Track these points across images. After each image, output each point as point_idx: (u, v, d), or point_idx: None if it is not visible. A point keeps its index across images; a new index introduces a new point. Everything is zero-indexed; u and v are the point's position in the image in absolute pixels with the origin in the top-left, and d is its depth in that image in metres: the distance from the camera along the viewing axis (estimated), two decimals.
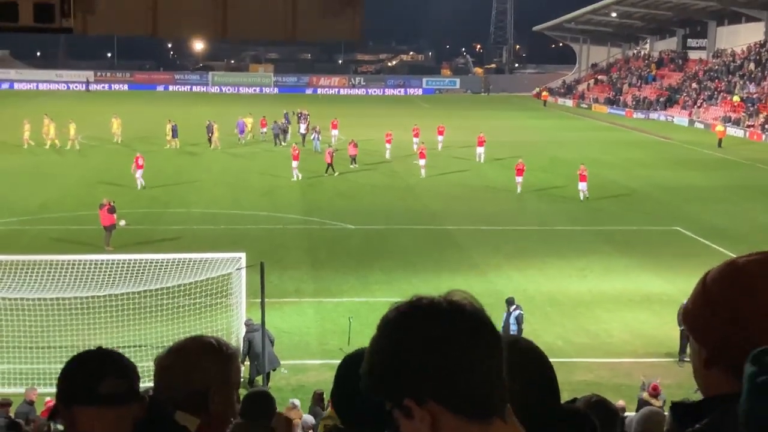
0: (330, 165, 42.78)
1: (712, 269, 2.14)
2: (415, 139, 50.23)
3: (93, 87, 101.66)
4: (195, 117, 60.05)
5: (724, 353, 2.02)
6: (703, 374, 2.07)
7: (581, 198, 37.66)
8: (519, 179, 39.13)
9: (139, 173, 38.56)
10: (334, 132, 53.37)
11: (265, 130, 55.60)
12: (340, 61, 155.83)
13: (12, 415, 14.40)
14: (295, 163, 41.12)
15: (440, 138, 51.89)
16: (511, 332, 19.21)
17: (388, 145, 48.14)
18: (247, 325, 18.62)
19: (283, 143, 52.72)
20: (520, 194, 38.52)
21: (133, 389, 2.79)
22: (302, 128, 53.75)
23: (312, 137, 51.18)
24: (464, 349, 1.70)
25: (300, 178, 40.90)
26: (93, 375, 2.75)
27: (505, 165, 46.54)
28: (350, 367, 2.65)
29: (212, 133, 51.68)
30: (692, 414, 2.03)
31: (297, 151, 41.83)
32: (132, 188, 37.77)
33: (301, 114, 62.04)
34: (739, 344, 1.96)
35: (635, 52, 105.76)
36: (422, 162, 42.62)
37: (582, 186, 37.75)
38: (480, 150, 47.39)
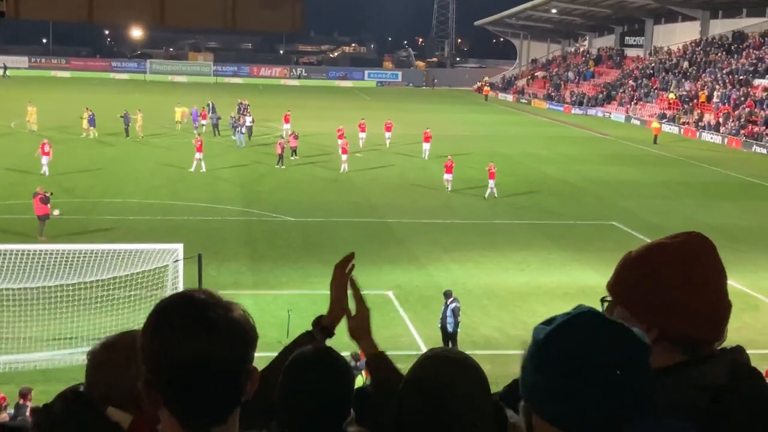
0: (281, 156, 42.48)
1: (642, 248, 2.34)
2: (361, 134, 49.77)
3: (9, 73, 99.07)
4: (129, 105, 59.05)
5: (666, 324, 2.21)
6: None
7: (485, 196, 36.78)
8: (448, 177, 38.06)
9: (44, 159, 38.03)
10: (286, 126, 52.35)
11: (205, 121, 54.55)
12: (281, 51, 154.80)
13: None
14: (198, 155, 40.50)
15: (388, 134, 51.14)
16: (448, 324, 19.34)
17: (340, 141, 46.01)
18: None
19: (218, 135, 52.30)
20: (452, 192, 38.00)
21: None
22: (248, 120, 52.62)
23: (238, 130, 50.61)
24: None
25: (204, 170, 40.28)
26: None
27: (442, 160, 46.79)
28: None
29: (128, 124, 50.51)
30: None
31: (200, 143, 41.26)
32: (40, 175, 37.02)
33: (242, 105, 61.44)
34: (683, 312, 2.19)
35: (574, 48, 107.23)
36: (344, 157, 41.99)
37: (491, 183, 37.05)
38: (426, 146, 46.94)
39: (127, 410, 2.76)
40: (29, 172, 37.64)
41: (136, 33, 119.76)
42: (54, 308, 20.77)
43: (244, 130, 50.20)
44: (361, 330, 3.16)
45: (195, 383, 1.85)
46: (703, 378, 2.17)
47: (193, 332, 1.85)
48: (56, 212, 28.11)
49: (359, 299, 3.18)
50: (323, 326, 3.19)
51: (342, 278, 3.20)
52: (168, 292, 19.98)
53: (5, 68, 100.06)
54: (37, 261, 19.27)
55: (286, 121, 53.14)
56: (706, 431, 2.06)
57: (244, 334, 1.92)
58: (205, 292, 1.97)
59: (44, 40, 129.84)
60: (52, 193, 28.11)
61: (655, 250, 2.32)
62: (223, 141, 50.34)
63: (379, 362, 3.10)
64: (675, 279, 2.23)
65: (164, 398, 1.88)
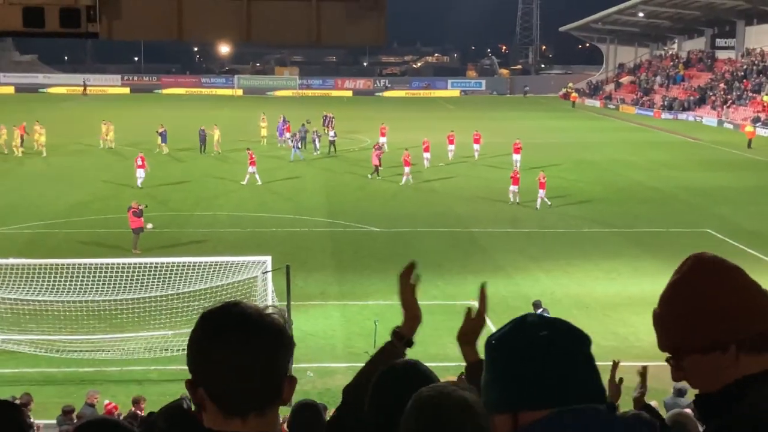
0: (377, 168, 42.66)
1: (677, 276, 2.33)
2: (450, 146, 48.18)
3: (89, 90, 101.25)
4: (215, 120, 60.27)
5: (736, 333, 2.18)
6: (702, 365, 2.22)
7: (537, 206, 35.66)
8: (542, 192, 36.02)
9: (140, 173, 39.56)
10: (382, 139, 50.81)
11: (289, 135, 53.90)
12: (365, 64, 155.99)
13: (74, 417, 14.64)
14: (252, 168, 40.57)
15: (476, 146, 49.13)
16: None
17: (426, 154, 45.97)
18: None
19: (302, 149, 51.20)
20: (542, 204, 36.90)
21: None
22: (331, 134, 52.41)
23: (294, 143, 50.16)
24: (208, 349, 2.12)
25: (259, 183, 40.35)
26: None
27: (529, 168, 46.31)
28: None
29: (204, 140, 50.32)
30: (715, 403, 2.19)
31: (252, 156, 41.22)
32: (135, 189, 38.06)
33: (326, 117, 61.94)
34: (748, 317, 2.18)
35: (663, 52, 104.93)
36: (406, 169, 40.99)
37: (541, 193, 35.75)
38: (516, 157, 44.53)
39: None
40: (125, 186, 38.84)
41: (224, 49, 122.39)
42: (148, 320, 21.34)
43: (300, 144, 49.94)
44: (468, 337, 3.24)
45: (232, 381, 2.11)
46: None
47: (232, 339, 2.11)
48: (149, 226, 28.86)
49: (481, 311, 3.25)
50: (403, 336, 3.25)
51: (406, 287, 3.25)
52: (258, 302, 20.30)
53: (86, 86, 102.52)
54: (131, 274, 19.82)
55: (383, 134, 51.76)
56: None
57: (277, 342, 2.16)
58: (247, 305, 2.20)
59: (136, 59, 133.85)
60: (146, 206, 28.90)
61: (675, 288, 2.30)
62: (306, 154, 50.80)
63: (478, 371, 3.10)
64: (710, 289, 2.21)
65: (207, 392, 2.14)
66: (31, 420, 14.18)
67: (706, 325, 2.20)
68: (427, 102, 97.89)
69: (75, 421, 14.42)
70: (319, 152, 50.95)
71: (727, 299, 2.19)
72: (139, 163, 39.69)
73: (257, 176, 40.61)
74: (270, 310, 2.21)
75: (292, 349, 2.22)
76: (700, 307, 2.21)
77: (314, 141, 51.70)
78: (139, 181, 39.24)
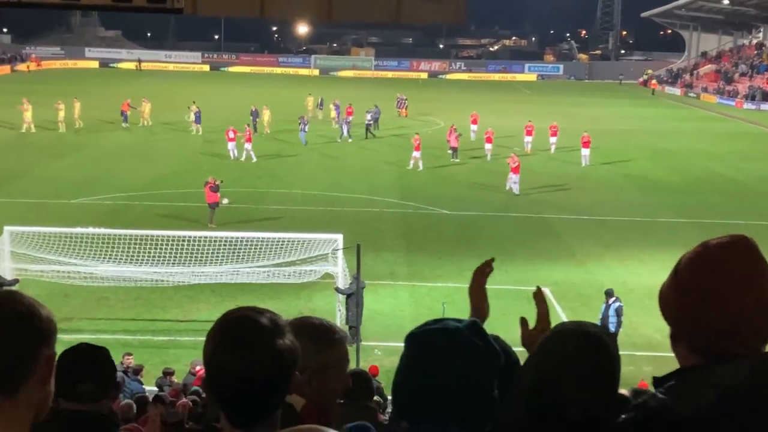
0: (455, 149, 42.54)
1: (686, 253, 2.35)
2: (527, 138, 45.79)
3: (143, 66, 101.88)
4: (294, 99, 60.82)
5: (689, 332, 2.22)
6: (673, 349, 2.29)
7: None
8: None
9: (230, 145, 40.84)
10: (474, 127, 49.20)
11: (350, 118, 51.55)
12: (441, 46, 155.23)
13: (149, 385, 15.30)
14: (416, 153, 39.97)
15: (553, 139, 46.00)
16: (611, 324, 18.90)
17: (528, 137, 45.55)
18: (353, 277, 19.54)
19: (373, 131, 50.62)
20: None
21: (103, 390, 3.64)
22: (367, 117, 50.39)
23: (340, 124, 49.25)
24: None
25: (420, 168, 39.80)
26: (67, 379, 3.46)
27: (606, 155, 45.64)
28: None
29: (257, 118, 48.96)
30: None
31: (419, 141, 40.33)
32: (237, 166, 38.69)
33: (400, 99, 61.96)
34: (703, 323, 2.17)
35: (747, 40, 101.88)
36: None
37: (514, 178, 35.07)
38: (585, 152, 42.33)
39: (301, 394, 2.87)
40: (206, 160, 39.61)
41: (302, 29, 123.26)
42: (221, 293, 21.81)
43: (372, 125, 48.78)
44: (531, 346, 3.14)
45: (239, 392, 2.20)
46: (717, 377, 2.11)
47: (244, 352, 2.20)
48: (225, 201, 29.37)
49: (543, 316, 3.06)
50: None
51: (480, 284, 3.17)
52: (331, 280, 20.55)
53: (140, 61, 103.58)
54: (206, 247, 20.26)
55: (474, 122, 49.76)
56: (708, 429, 2.05)
57: (286, 359, 2.23)
58: (264, 315, 2.28)
59: (216, 36, 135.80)
60: (222, 181, 29.40)
61: (686, 261, 2.32)
62: (384, 134, 50.85)
63: None
64: (694, 290, 2.22)
65: (217, 398, 2.24)
66: (140, 383, 14.85)
67: (677, 316, 2.27)
68: (503, 86, 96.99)
69: (174, 382, 15.13)
70: (349, 140, 48.31)
71: (699, 302, 2.20)
72: (231, 136, 41.06)
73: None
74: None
75: (292, 370, 2.27)
76: (679, 291, 2.27)
77: (342, 125, 49.46)
78: (233, 153, 40.79)
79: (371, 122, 50.54)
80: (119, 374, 14.40)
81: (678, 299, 2.26)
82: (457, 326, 2.31)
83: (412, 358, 2.30)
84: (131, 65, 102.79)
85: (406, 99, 61.74)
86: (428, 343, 2.29)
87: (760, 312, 2.17)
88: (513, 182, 35.23)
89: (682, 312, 2.25)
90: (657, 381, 2.26)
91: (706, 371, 2.16)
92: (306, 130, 46.62)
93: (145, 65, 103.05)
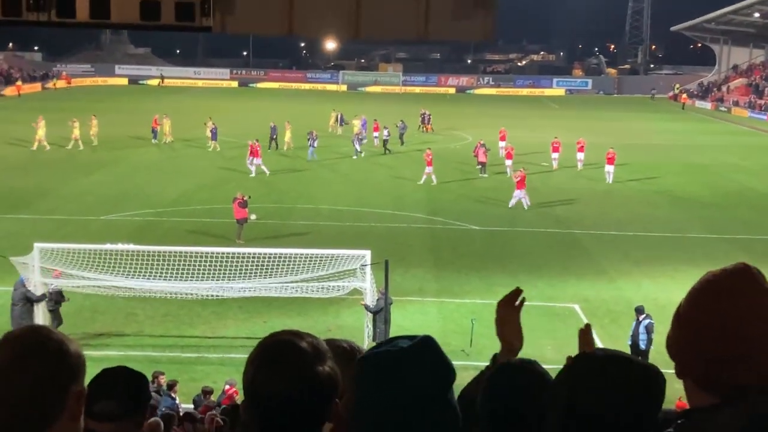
0: (483, 165, 42.45)
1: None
2: (554, 154, 45.06)
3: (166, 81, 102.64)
4: (319, 114, 60.96)
5: (689, 367, 2.19)
6: (684, 387, 2.24)
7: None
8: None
9: (251, 160, 41.09)
10: (502, 143, 47.93)
11: (377, 134, 51.64)
12: (469, 61, 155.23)
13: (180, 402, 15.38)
14: (429, 169, 39.84)
15: (580, 155, 44.78)
16: (641, 342, 18.66)
17: (554, 154, 45.12)
18: (380, 292, 19.50)
19: (390, 147, 50.10)
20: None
21: (124, 410, 3.57)
22: (385, 133, 50.25)
23: (353, 140, 48.37)
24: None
25: (434, 182, 39.70)
26: (90, 397, 3.44)
27: (636, 170, 45.28)
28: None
29: (275, 136, 48.78)
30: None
31: (430, 156, 40.33)
32: (261, 180, 38.82)
33: (424, 115, 61.81)
34: (698, 358, 2.15)
35: None
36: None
37: (519, 193, 35.08)
38: (609, 168, 41.58)
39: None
40: (231, 176, 39.79)
41: (330, 45, 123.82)
42: (248, 309, 21.81)
43: (316, 144, 46.54)
44: None
45: (277, 416, 2.20)
46: (713, 427, 2.05)
47: (283, 377, 2.20)
48: (253, 216, 29.44)
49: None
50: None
51: (507, 317, 3.04)
52: (359, 296, 20.48)
53: (162, 78, 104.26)
54: (234, 263, 20.27)
55: (502, 138, 48.80)
56: None
57: (326, 386, 2.24)
58: (305, 340, 2.28)
59: (245, 53, 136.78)
60: (249, 197, 29.49)
61: (686, 295, 2.27)
62: (409, 149, 50.80)
63: None
64: (688, 321, 2.19)
65: (255, 421, 2.23)
66: (174, 399, 14.92)
67: (679, 350, 2.24)
68: (531, 101, 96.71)
69: (212, 400, 15.17)
70: (361, 154, 47.69)
71: (698, 335, 2.16)
72: (253, 151, 41.30)
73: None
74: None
75: (333, 397, 2.29)
76: (678, 325, 2.24)
77: (354, 141, 48.43)
78: (259, 169, 40.85)
79: (388, 137, 50.45)
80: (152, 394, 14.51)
81: (675, 332, 2.25)
82: (403, 346, 2.37)
83: (361, 380, 2.36)
84: (156, 82, 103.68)
85: (429, 114, 61.70)
86: (375, 365, 2.34)
87: (759, 342, 2.10)
88: (520, 197, 35.10)
89: (680, 345, 2.23)
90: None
91: (699, 417, 2.12)
92: (315, 145, 46.38)
93: (174, 82, 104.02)
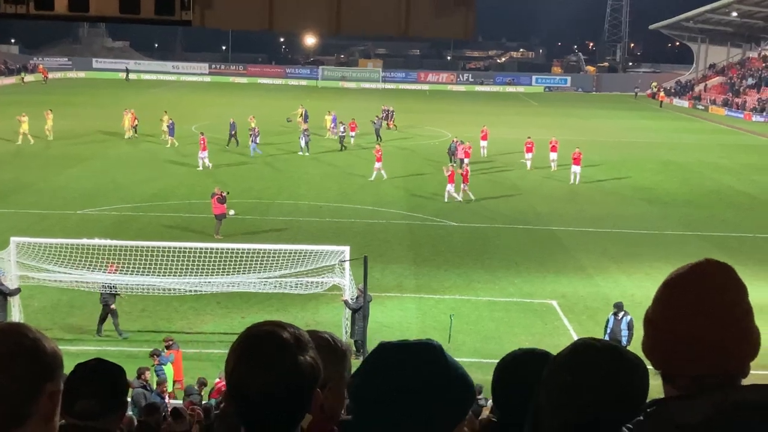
0: (462, 161, 42.34)
1: None
2: (552, 154, 43.64)
3: (132, 76, 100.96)
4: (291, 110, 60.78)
5: (657, 361, 2.25)
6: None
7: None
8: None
9: (202, 154, 40.93)
10: (483, 143, 47.95)
11: (354, 134, 51.32)
12: (448, 57, 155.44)
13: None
14: (378, 164, 40.02)
15: (553, 155, 43.71)
16: (623, 338, 18.77)
17: (528, 155, 44.54)
18: (359, 290, 19.41)
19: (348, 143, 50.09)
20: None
21: (106, 407, 3.52)
22: (341, 129, 49.82)
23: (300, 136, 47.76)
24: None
25: (384, 177, 39.72)
26: (70, 394, 3.35)
27: (613, 167, 45.54)
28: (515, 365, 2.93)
29: (235, 132, 48.01)
30: None
31: (380, 153, 40.68)
32: (241, 176, 38.69)
33: (387, 111, 60.96)
34: (660, 347, 2.23)
35: (756, 53, 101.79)
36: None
37: (575, 169, 38.15)
38: (576, 169, 40.57)
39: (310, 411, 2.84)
40: (209, 172, 39.62)
41: (310, 41, 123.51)
42: (227, 305, 21.75)
43: (258, 140, 45.95)
44: None
45: (260, 406, 2.19)
46: (680, 415, 2.09)
47: (266, 367, 2.18)
48: (231, 212, 29.35)
49: None
50: None
51: None
52: (338, 292, 20.47)
53: (128, 71, 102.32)
54: (212, 259, 20.20)
55: (484, 138, 48.33)
56: None
57: (308, 376, 2.23)
58: (288, 330, 2.26)
59: (223, 47, 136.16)
60: (228, 193, 29.38)
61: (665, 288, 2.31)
62: (401, 143, 50.80)
63: None
64: (654, 316, 2.26)
65: (238, 412, 2.22)
66: (161, 397, 14.97)
67: (645, 343, 2.30)
68: (511, 97, 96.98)
69: (198, 396, 15.32)
70: (308, 153, 46.78)
71: (665, 328, 2.21)
72: (203, 144, 41.07)
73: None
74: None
75: (314, 387, 2.29)
76: (649, 319, 2.29)
77: (301, 139, 47.62)
78: (204, 163, 40.72)
79: (344, 134, 49.85)
80: (139, 390, 14.44)
81: (644, 327, 2.31)
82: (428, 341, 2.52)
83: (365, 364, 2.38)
84: (134, 76, 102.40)
85: (393, 110, 61.40)
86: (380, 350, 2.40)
87: (712, 335, 2.14)
88: (450, 191, 35.57)
89: (649, 341, 2.28)
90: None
91: (670, 406, 2.14)
92: (257, 141, 46.01)
93: (150, 76, 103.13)
